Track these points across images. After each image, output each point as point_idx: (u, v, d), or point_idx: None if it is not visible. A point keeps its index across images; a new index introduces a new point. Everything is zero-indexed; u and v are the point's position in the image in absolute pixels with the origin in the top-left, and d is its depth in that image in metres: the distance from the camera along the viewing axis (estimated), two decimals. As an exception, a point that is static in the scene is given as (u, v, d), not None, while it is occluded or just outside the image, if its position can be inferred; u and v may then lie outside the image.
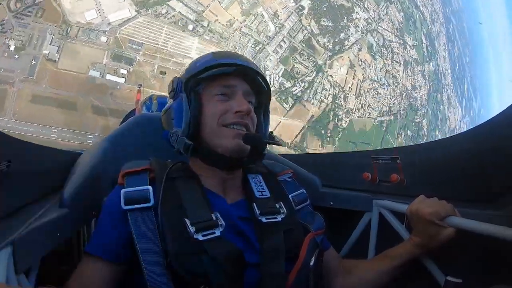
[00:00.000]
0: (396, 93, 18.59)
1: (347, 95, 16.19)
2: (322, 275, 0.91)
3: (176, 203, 0.80)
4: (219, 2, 12.47)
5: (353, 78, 16.61)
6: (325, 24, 15.80)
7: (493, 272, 0.81)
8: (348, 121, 16.07)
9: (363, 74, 17.02)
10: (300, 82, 14.59)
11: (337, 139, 15.56)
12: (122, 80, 10.69)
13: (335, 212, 1.24)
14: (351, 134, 16.24)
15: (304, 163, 1.39)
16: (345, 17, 17.56)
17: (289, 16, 14.69)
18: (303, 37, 14.98)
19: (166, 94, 1.13)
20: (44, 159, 1.04)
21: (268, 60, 13.64)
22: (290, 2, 14.68)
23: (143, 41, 10.77)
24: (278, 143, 0.99)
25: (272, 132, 1.02)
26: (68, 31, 10.01)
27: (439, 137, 20.96)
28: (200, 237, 0.74)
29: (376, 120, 17.31)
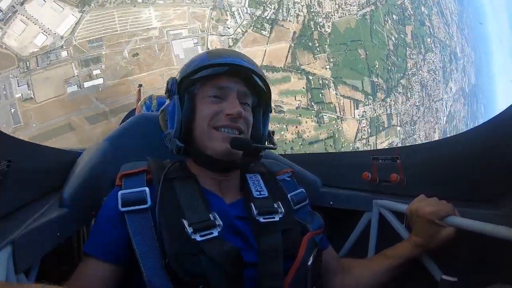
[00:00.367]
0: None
1: (320, 0, 15.72)
2: (321, 274, 0.91)
3: (174, 204, 0.80)
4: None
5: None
6: None
7: (493, 272, 0.81)
8: (330, 25, 15.29)
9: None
10: (269, 4, 13.91)
11: (326, 46, 14.83)
12: (100, 81, 10.47)
13: (335, 212, 1.24)
14: (339, 37, 15.47)
15: (303, 163, 1.39)
16: None
17: None
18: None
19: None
20: (44, 158, 1.04)
21: (229, -5, 12.76)
22: None
23: (100, 36, 10.45)
24: (268, 147, 0.97)
25: (273, 132, 1.02)
26: (28, 65, 9.67)
27: (426, 13, 20.29)
28: (198, 237, 0.74)
29: (358, 15, 16.43)
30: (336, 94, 14.82)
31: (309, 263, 0.83)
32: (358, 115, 15.67)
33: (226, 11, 12.60)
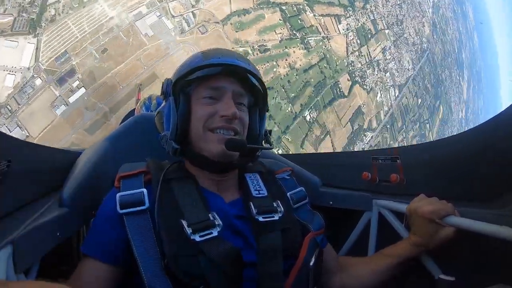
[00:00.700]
0: None
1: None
2: (321, 274, 0.91)
3: (173, 205, 0.80)
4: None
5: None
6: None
7: (493, 272, 0.81)
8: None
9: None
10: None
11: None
12: (82, 90, 10.31)
13: (335, 212, 1.24)
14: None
15: (303, 163, 1.39)
16: None
17: None
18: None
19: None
20: (44, 158, 1.04)
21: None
22: None
23: (64, 49, 10.15)
24: (264, 147, 0.96)
25: (270, 132, 1.01)
26: (10, 108, 9.36)
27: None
28: (197, 238, 0.74)
29: None
30: (314, 15, 14.54)
31: (311, 263, 0.83)
32: (343, 30, 15.47)
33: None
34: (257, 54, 12.84)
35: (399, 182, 1.12)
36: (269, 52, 13.02)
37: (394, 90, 18.88)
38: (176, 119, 0.88)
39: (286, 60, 13.52)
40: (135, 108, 4.01)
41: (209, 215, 0.78)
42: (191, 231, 0.74)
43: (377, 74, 17.31)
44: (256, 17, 13.09)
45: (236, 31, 12.25)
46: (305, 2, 14.42)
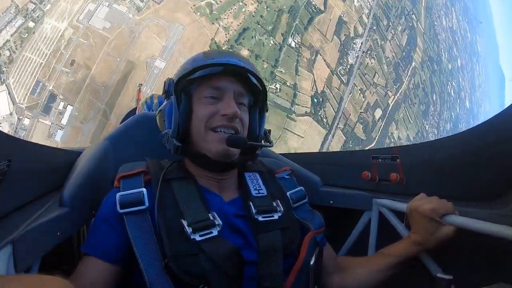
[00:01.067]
0: None
1: None
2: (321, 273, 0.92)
3: (173, 204, 0.80)
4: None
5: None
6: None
7: (493, 271, 0.81)
8: None
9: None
10: None
11: None
12: (70, 108, 10.07)
13: (335, 211, 1.24)
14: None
15: (304, 162, 1.39)
16: None
17: None
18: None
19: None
20: (44, 158, 1.04)
21: None
22: None
23: (34, 80, 9.77)
24: (264, 145, 0.97)
25: (269, 131, 1.02)
26: None
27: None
28: (197, 237, 0.74)
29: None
30: None
31: (312, 262, 0.84)
32: None
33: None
34: (220, 1, 12.45)
35: (399, 182, 1.12)
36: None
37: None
38: (178, 117, 0.88)
39: (252, -4, 13.11)
40: (136, 107, 4.02)
41: (209, 214, 0.79)
42: (191, 230, 0.74)
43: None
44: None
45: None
46: None
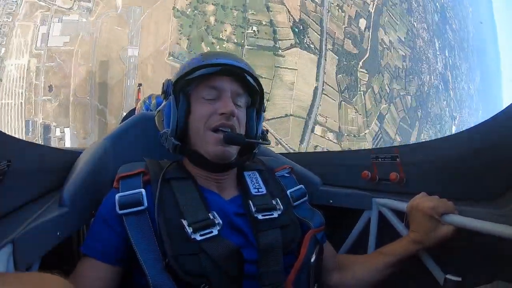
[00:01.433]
0: None
1: None
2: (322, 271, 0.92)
3: (173, 204, 0.81)
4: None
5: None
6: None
7: (493, 271, 0.81)
8: None
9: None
10: None
11: None
12: (68, 131, 10.06)
13: (335, 211, 1.24)
14: None
15: (303, 162, 1.39)
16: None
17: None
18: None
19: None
20: (44, 158, 1.04)
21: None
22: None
23: (23, 121, 9.83)
24: (261, 142, 0.97)
25: (266, 131, 1.02)
26: None
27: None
28: (197, 237, 0.74)
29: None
30: None
31: (312, 260, 0.85)
32: None
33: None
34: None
35: (399, 181, 1.12)
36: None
37: None
38: (177, 116, 0.89)
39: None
40: (135, 108, 4.02)
41: (209, 214, 0.79)
42: (191, 230, 0.75)
43: None
44: None
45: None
46: None
